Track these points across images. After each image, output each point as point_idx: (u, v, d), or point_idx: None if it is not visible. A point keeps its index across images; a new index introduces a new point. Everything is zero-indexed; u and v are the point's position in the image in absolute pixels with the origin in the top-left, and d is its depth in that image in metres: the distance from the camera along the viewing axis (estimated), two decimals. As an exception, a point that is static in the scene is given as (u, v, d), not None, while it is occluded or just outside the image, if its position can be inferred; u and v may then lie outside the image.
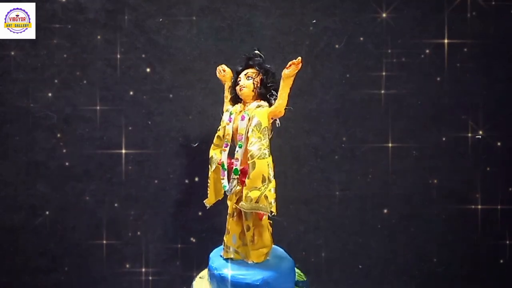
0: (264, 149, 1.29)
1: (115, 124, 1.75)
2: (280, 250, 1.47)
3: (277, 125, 1.37)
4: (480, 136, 1.77)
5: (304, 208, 1.80)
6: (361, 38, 1.75)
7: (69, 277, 1.78)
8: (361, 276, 1.83)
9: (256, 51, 1.37)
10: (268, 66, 1.36)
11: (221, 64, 1.48)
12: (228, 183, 1.35)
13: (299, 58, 1.27)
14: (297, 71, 1.28)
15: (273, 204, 1.29)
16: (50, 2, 1.69)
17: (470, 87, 1.77)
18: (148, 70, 1.74)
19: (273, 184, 1.29)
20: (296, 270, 1.48)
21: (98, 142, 1.75)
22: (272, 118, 1.33)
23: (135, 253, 1.79)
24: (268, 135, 1.31)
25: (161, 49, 1.73)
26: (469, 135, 1.78)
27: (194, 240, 1.79)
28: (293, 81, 1.30)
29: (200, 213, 1.78)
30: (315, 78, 1.77)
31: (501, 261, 1.81)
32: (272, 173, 1.29)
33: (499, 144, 1.78)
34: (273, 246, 1.44)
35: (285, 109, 1.31)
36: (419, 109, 1.78)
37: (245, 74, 1.37)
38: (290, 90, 1.31)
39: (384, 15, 1.74)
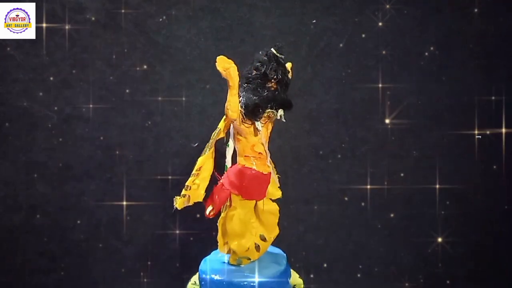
0: (207, 148, 1.33)
1: (115, 124, 1.75)
2: (277, 253, 1.45)
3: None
4: (480, 136, 1.77)
5: (304, 208, 1.80)
6: (361, 38, 1.75)
7: (69, 277, 1.78)
8: (361, 276, 1.83)
9: (272, 49, 1.31)
10: (257, 64, 1.30)
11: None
12: None
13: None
14: (224, 69, 1.26)
15: (178, 200, 1.31)
16: (50, 2, 1.69)
17: (470, 87, 1.77)
18: (148, 70, 1.74)
19: (188, 181, 1.31)
20: (295, 275, 1.46)
21: (98, 142, 1.75)
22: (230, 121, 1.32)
23: (135, 253, 1.79)
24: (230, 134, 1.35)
25: (161, 49, 1.73)
26: (469, 134, 1.78)
27: (194, 240, 1.79)
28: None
29: (200, 213, 1.78)
30: (315, 78, 1.77)
31: (501, 261, 1.81)
32: (193, 171, 1.32)
33: (499, 143, 1.77)
34: (272, 247, 1.43)
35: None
36: (419, 109, 1.78)
37: None
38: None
39: (383, 15, 1.74)
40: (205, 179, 1.35)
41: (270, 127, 1.36)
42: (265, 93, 1.28)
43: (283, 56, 1.30)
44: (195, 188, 1.33)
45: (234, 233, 1.34)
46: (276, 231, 1.40)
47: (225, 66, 1.27)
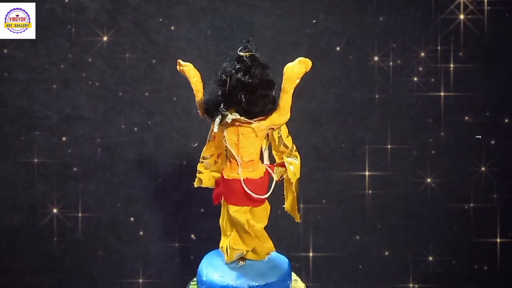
0: (207, 140, 1.34)
1: (115, 124, 1.75)
2: (278, 258, 1.39)
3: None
4: (480, 136, 1.77)
5: (304, 208, 1.80)
6: (362, 38, 1.75)
7: (69, 277, 1.78)
8: (361, 276, 1.83)
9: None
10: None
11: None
12: None
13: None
14: (181, 72, 1.26)
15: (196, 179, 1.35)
16: (50, 2, 1.69)
17: (470, 87, 1.77)
18: (148, 70, 1.74)
19: (198, 165, 1.36)
20: (297, 279, 1.43)
21: (98, 142, 1.75)
22: None
23: (135, 253, 1.79)
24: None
25: (161, 49, 1.73)
26: (469, 135, 1.78)
27: (194, 240, 1.79)
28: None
29: (200, 213, 1.78)
30: (315, 78, 1.77)
31: (501, 261, 1.81)
32: (200, 159, 1.36)
33: (499, 144, 1.78)
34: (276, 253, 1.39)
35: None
36: (419, 109, 1.78)
37: None
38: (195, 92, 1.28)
39: (383, 15, 1.74)
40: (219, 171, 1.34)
41: (247, 132, 1.22)
42: (211, 94, 1.21)
43: (246, 54, 1.21)
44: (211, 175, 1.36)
45: (221, 228, 1.34)
46: (249, 245, 1.30)
47: (180, 68, 1.26)
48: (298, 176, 1.28)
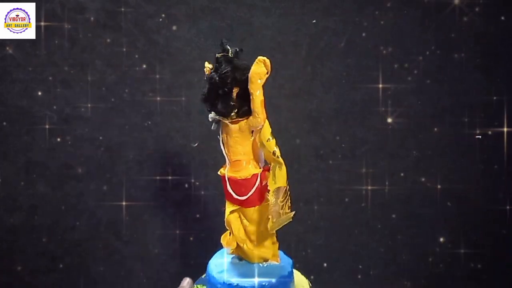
0: None
1: (115, 124, 1.75)
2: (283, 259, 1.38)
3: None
4: (480, 136, 1.77)
5: (304, 208, 1.80)
6: (361, 38, 1.75)
7: (69, 277, 1.78)
8: (361, 276, 1.83)
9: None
10: None
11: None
12: None
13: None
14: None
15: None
16: (50, 2, 1.69)
17: (470, 87, 1.77)
18: (148, 70, 1.74)
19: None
20: (301, 278, 1.42)
21: (98, 142, 1.75)
22: None
23: (135, 253, 1.79)
24: None
25: (161, 49, 1.73)
26: (469, 134, 1.78)
27: (194, 240, 1.79)
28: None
29: (199, 213, 1.78)
30: (315, 78, 1.77)
31: (501, 261, 1.81)
32: None
33: (499, 144, 1.78)
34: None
35: None
36: (419, 109, 1.78)
37: None
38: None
39: (383, 15, 1.74)
40: None
41: (230, 132, 1.24)
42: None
43: (219, 55, 1.23)
44: None
45: None
46: (230, 243, 1.32)
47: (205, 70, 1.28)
48: (281, 184, 1.22)
